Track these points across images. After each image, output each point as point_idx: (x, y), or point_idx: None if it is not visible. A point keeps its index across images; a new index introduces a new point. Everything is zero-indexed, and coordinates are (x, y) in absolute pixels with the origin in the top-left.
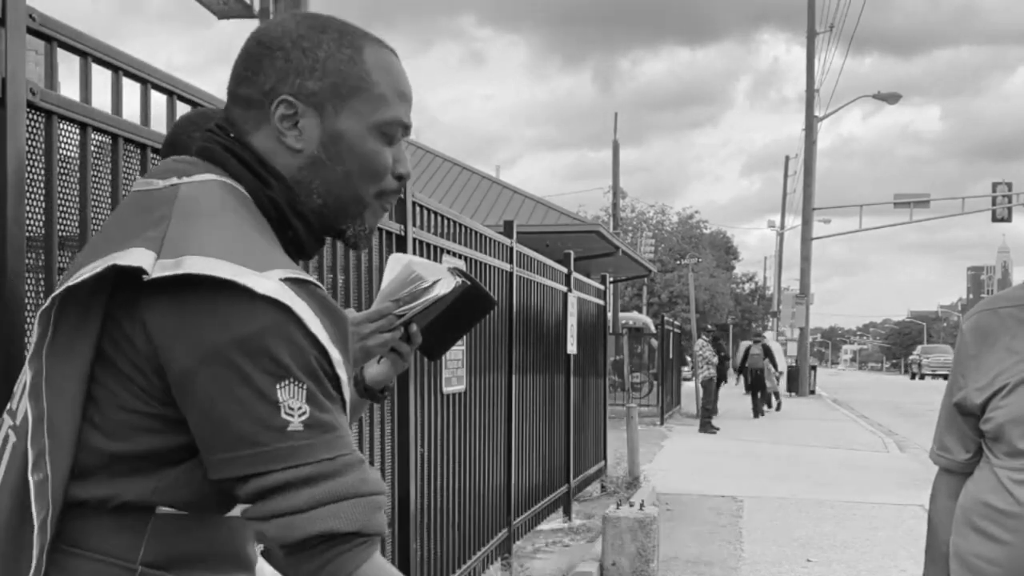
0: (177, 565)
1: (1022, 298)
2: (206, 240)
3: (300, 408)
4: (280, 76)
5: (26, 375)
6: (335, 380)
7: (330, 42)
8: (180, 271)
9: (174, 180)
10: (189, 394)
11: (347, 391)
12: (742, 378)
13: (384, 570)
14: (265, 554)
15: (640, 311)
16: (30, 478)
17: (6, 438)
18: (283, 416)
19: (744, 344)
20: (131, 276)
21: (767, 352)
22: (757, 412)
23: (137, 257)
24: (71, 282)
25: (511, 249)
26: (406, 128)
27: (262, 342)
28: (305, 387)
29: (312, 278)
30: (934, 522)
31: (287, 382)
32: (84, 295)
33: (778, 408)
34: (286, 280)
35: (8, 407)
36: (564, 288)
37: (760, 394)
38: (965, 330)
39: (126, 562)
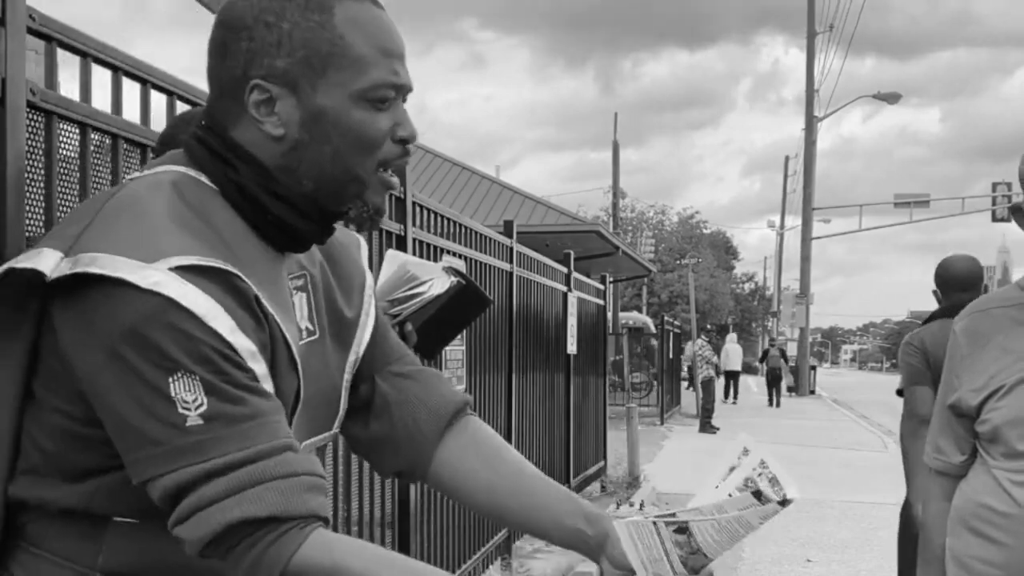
0: (135, 574)
1: (1014, 298)
2: (106, 236)
3: (196, 400)
4: (248, 59)
5: None
6: (245, 370)
7: (294, 10)
8: (74, 270)
9: (134, 175)
10: (95, 397)
11: (269, 382)
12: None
13: (334, 547)
14: None
15: (640, 311)
16: None
17: None
18: (179, 411)
19: (730, 346)
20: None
21: (783, 354)
22: (771, 401)
23: (41, 259)
24: None
25: (511, 249)
26: (398, 88)
27: (146, 334)
28: (199, 378)
29: (225, 265)
30: (928, 524)
31: (179, 375)
32: (12, 295)
33: (777, 405)
34: (179, 268)
35: None
36: (564, 288)
37: (776, 388)
38: (957, 332)
39: (84, 568)
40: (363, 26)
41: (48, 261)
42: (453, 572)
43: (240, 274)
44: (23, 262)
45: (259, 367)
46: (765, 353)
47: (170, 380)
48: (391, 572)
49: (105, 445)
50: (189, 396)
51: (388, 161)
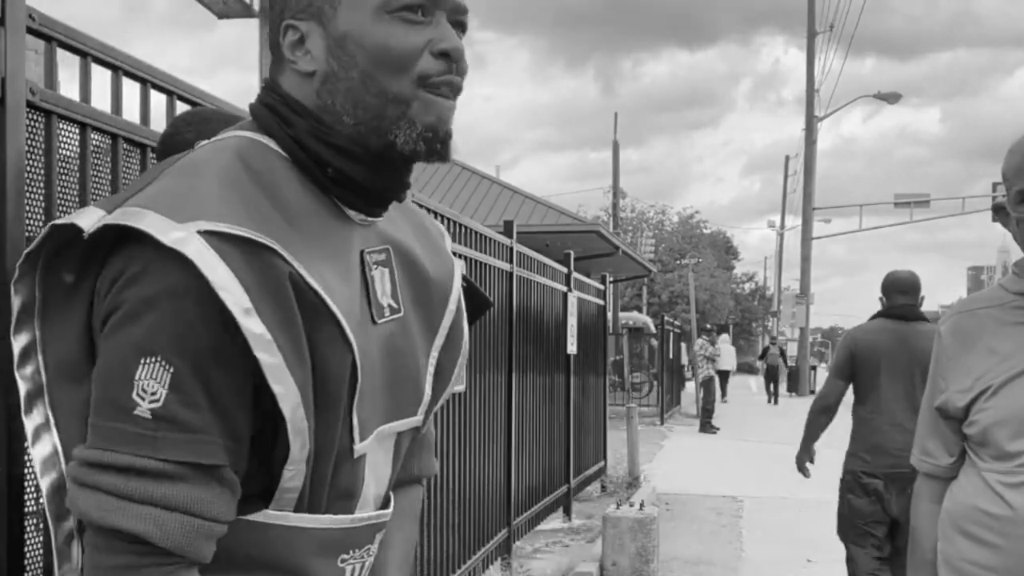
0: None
1: (999, 298)
2: (151, 194)
3: (154, 395)
4: (283, 3)
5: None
6: (250, 360)
7: None
8: (103, 221)
9: (202, 143)
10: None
11: (279, 381)
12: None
13: None
14: None
15: (640, 311)
16: (32, 451)
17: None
18: (134, 396)
19: (723, 346)
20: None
21: (782, 353)
22: (770, 398)
23: (83, 216)
24: (30, 247)
25: (511, 249)
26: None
27: (145, 311)
28: (172, 371)
29: (259, 237)
30: (918, 528)
31: (152, 360)
32: (74, 260)
33: (775, 402)
34: (208, 232)
35: None
36: (564, 288)
37: (774, 384)
38: (944, 333)
39: None
40: None
41: (89, 218)
42: (454, 572)
43: (277, 248)
44: (65, 219)
45: (268, 356)
46: (765, 351)
47: (141, 362)
48: None
49: None
50: (150, 387)
51: (429, 75)
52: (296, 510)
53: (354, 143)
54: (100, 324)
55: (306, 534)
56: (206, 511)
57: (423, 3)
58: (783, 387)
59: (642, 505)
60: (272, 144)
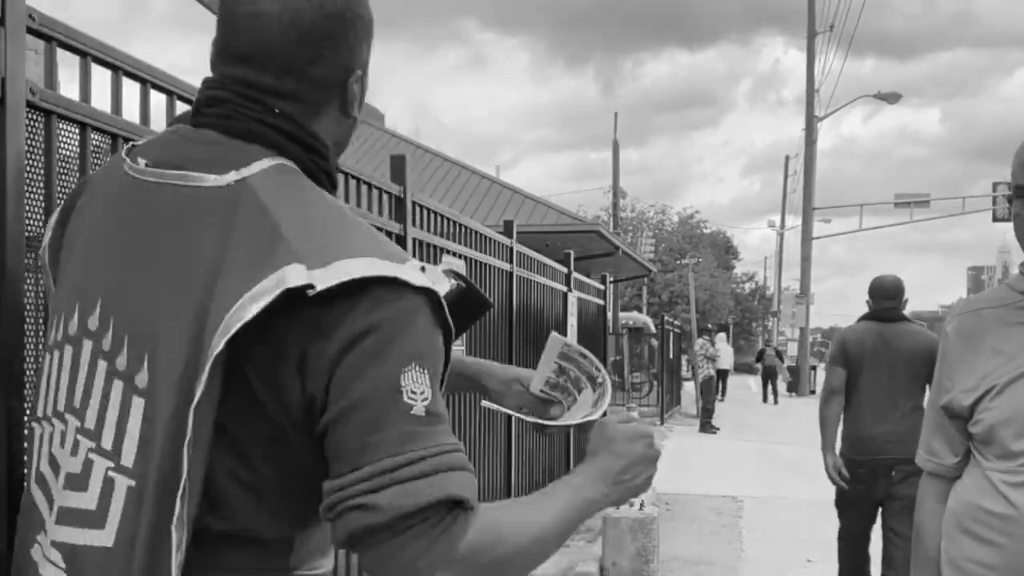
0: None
1: (1003, 299)
2: (337, 243)
3: (423, 394)
4: (351, 52)
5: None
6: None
7: None
8: (345, 277)
9: (233, 175)
10: (341, 384)
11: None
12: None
13: (490, 533)
14: None
15: (640, 311)
16: (173, 533)
17: (108, 480)
18: (406, 399)
19: (721, 345)
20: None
21: (778, 353)
22: (766, 398)
23: (295, 273)
24: (240, 322)
25: (511, 249)
26: None
27: (395, 329)
28: (427, 374)
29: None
30: (921, 526)
31: (412, 367)
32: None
33: (776, 402)
34: (420, 268)
35: (77, 424)
36: (564, 288)
37: (772, 384)
38: (949, 332)
39: (278, 570)
40: None
41: (302, 275)
42: None
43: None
44: (291, 280)
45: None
46: (761, 352)
47: (404, 371)
48: (524, 521)
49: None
50: (417, 388)
51: None
52: None
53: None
54: (334, 357)
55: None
56: (471, 467)
57: None
58: (782, 387)
59: (642, 505)
60: (291, 164)
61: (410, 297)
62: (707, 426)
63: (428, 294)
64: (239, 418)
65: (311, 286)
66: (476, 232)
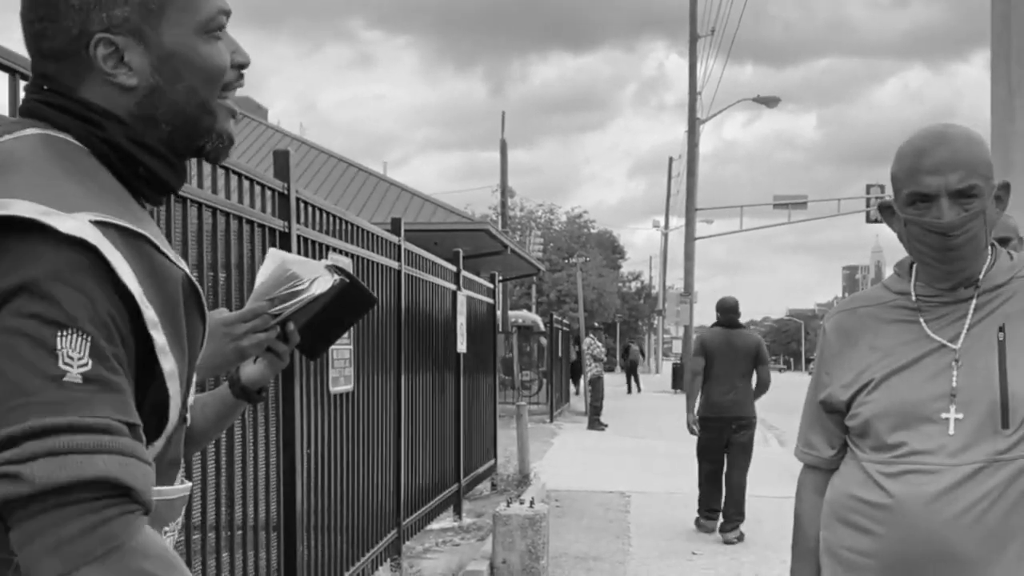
0: None
1: (879, 298)
2: (12, 185)
3: (81, 359)
4: (82, 15)
5: None
6: (145, 340)
7: None
8: None
9: None
10: None
11: (167, 359)
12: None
13: (162, 547)
14: None
15: (529, 310)
16: None
17: None
18: (60, 365)
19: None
20: None
21: (640, 350)
22: (630, 389)
23: None
24: None
25: (399, 247)
26: (227, 13)
27: (50, 287)
28: (90, 339)
29: (139, 228)
30: (801, 518)
31: (69, 331)
32: None
33: (639, 391)
34: (97, 223)
35: None
36: (453, 286)
37: (635, 378)
38: (828, 330)
39: (3, 552)
40: None
41: None
42: (342, 574)
43: (148, 235)
44: None
45: (158, 336)
46: (627, 349)
47: (59, 334)
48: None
49: None
50: (75, 353)
51: (229, 85)
52: None
53: (164, 145)
54: None
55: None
56: (147, 458)
57: (226, 19)
58: (667, 383)
59: (532, 502)
60: (68, 137)
61: (59, 252)
62: (596, 423)
63: (84, 246)
64: None
65: None
66: (363, 230)
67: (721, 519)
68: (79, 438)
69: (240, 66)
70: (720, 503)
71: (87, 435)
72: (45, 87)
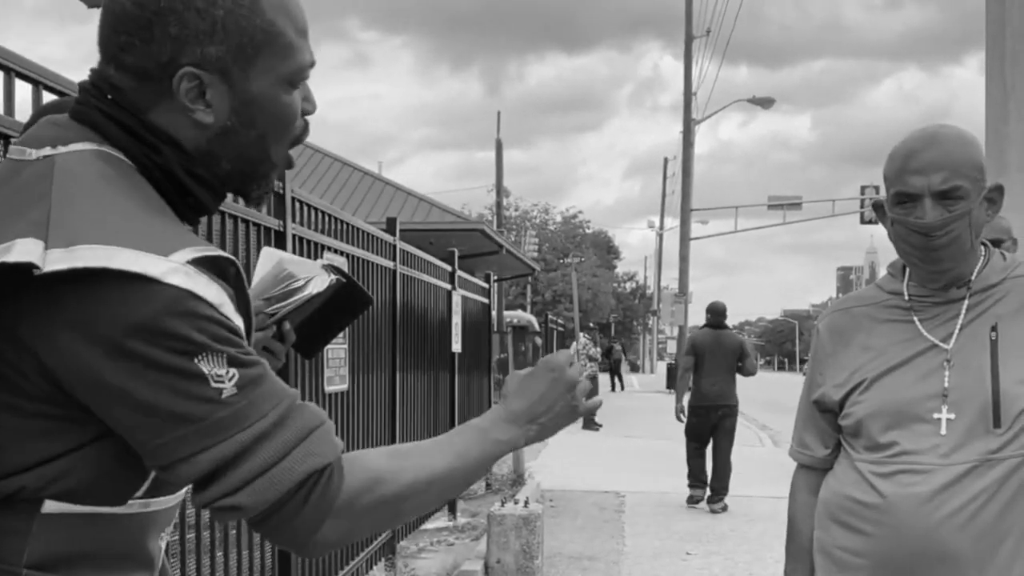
0: (64, 565)
1: (872, 298)
2: (97, 224)
3: (228, 372)
4: (177, 45)
5: None
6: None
7: None
8: (77, 264)
9: (48, 151)
10: (102, 392)
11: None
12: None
13: (363, 461)
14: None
15: (524, 309)
16: None
17: None
18: (213, 386)
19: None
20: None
21: (623, 349)
22: (613, 387)
23: (25, 250)
24: None
25: (394, 247)
26: (312, 64)
27: (165, 325)
28: (224, 355)
29: (222, 252)
30: (794, 518)
31: (204, 355)
32: None
33: (622, 389)
34: (193, 261)
35: None
36: (448, 286)
37: (618, 377)
38: (822, 330)
39: (10, 565)
40: (287, 9)
41: (34, 251)
42: (337, 573)
43: (233, 259)
44: (10, 255)
45: (247, 344)
46: (609, 349)
47: (196, 360)
48: (412, 461)
49: (61, 438)
50: (220, 370)
51: (297, 138)
52: (153, 495)
53: (221, 182)
54: (36, 366)
55: (155, 516)
56: (319, 419)
57: (310, 69)
58: (662, 385)
59: (527, 502)
60: (118, 154)
61: (161, 293)
62: (590, 423)
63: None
64: None
65: (33, 265)
66: (359, 229)
67: (709, 492)
68: (269, 448)
69: (306, 113)
70: (706, 474)
71: (272, 442)
72: (110, 96)
